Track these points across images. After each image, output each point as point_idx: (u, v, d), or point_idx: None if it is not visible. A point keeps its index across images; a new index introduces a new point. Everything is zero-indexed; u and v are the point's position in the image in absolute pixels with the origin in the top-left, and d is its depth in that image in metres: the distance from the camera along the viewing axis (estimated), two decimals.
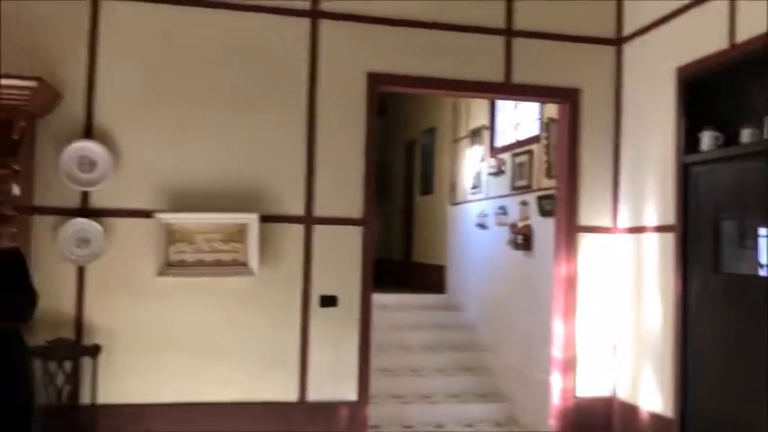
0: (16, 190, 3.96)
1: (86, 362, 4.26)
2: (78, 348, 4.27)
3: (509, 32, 5.01)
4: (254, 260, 4.50)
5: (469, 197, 7.61)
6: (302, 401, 4.63)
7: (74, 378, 4.23)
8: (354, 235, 4.75)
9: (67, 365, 4.23)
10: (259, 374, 4.56)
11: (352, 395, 4.70)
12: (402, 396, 6.28)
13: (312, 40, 4.72)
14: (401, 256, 10.06)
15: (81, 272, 4.36)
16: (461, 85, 5.00)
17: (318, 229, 4.70)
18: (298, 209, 4.67)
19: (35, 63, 4.21)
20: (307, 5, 4.72)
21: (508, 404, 6.22)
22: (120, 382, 4.33)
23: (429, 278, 8.58)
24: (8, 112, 3.91)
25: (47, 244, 4.28)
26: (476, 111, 7.54)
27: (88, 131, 4.38)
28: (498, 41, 5.00)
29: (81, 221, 4.31)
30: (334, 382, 4.69)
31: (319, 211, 4.70)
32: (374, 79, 4.79)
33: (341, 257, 4.73)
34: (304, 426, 4.59)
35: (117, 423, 4.28)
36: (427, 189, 9.11)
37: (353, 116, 4.77)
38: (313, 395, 4.65)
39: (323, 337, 4.68)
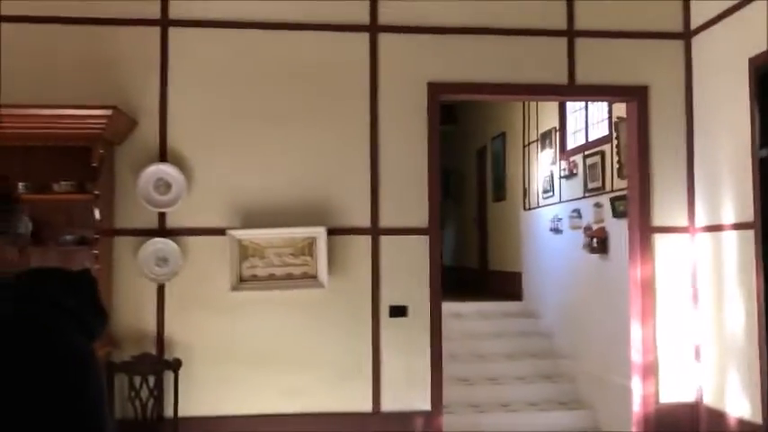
0: (97, 214, 4.20)
1: (168, 376, 4.44)
2: (161, 363, 4.46)
3: (571, 33, 4.94)
4: (323, 273, 4.58)
5: (542, 202, 7.51)
6: (377, 411, 4.68)
7: (157, 392, 4.41)
8: (421, 244, 4.77)
9: (151, 380, 4.41)
10: (333, 385, 4.63)
11: (425, 405, 4.71)
12: (479, 405, 6.23)
13: (372, 54, 4.79)
14: (476, 264, 10.00)
15: (161, 289, 4.56)
16: (523, 89, 4.97)
17: (385, 240, 4.75)
18: (364, 220, 4.74)
19: (111, 93, 4.45)
20: (366, 21, 4.80)
21: (588, 411, 6.07)
22: (200, 394, 4.49)
23: (505, 285, 8.49)
24: (87, 141, 4.14)
25: (128, 264, 4.50)
26: (545, 113, 7.44)
27: (163, 155, 4.59)
28: (560, 43, 4.94)
29: (159, 241, 4.51)
30: (407, 391, 4.71)
31: (385, 221, 4.76)
32: (435, 89, 4.82)
33: (408, 267, 4.76)
34: None
35: None
36: (500, 195, 9.03)
37: (416, 126, 4.81)
38: (387, 405, 4.69)
39: (394, 347, 4.71)
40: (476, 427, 5.81)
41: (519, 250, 8.19)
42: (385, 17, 4.81)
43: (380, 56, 4.80)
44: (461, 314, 7.62)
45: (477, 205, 10.05)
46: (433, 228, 4.80)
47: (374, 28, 4.81)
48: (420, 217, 4.79)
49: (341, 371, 4.65)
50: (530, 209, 7.87)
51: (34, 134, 4.14)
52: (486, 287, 9.23)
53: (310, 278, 4.62)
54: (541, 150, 7.53)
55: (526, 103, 7.74)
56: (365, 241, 4.73)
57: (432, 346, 4.75)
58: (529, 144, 7.92)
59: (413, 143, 4.80)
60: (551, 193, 7.25)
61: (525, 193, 8.01)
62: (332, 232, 4.64)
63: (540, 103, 7.33)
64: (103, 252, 4.32)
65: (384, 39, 4.81)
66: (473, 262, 10.17)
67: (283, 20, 4.71)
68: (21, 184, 4.25)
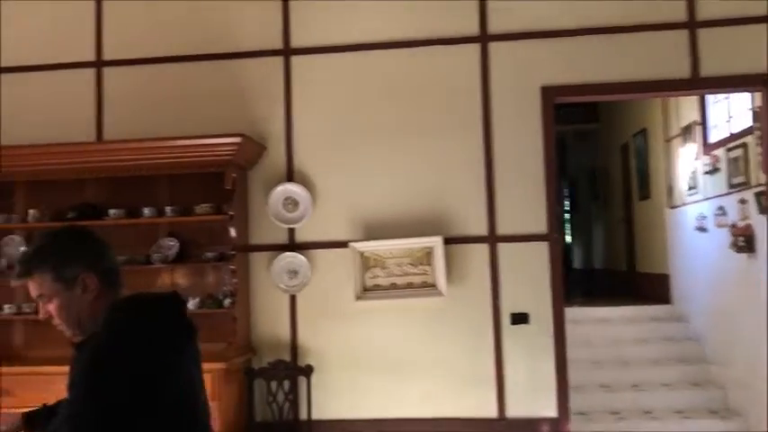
0: (233, 232, 4.60)
1: (302, 381, 4.75)
2: (294, 369, 4.78)
3: (692, 24, 4.71)
4: (442, 281, 4.71)
5: (687, 199, 7.12)
6: (502, 418, 4.71)
7: (292, 396, 4.74)
8: (540, 250, 4.75)
9: (286, 384, 4.75)
10: (458, 391, 4.73)
11: (551, 411, 4.68)
12: (619, 412, 6.04)
13: (483, 63, 4.86)
14: (624, 266, 9.62)
15: (293, 300, 4.89)
16: (644, 85, 4.80)
17: (503, 247, 4.78)
18: (481, 228, 4.80)
19: (241, 122, 4.87)
20: (476, 31, 4.88)
21: (739, 420, 5.69)
22: (331, 398, 4.76)
23: (652, 288, 8.11)
24: (220, 166, 4.57)
25: (263, 277, 4.88)
26: (685, 106, 7.06)
27: (290, 175, 4.94)
28: (681, 35, 4.73)
29: (289, 255, 4.85)
30: (532, 398, 4.71)
31: (502, 229, 4.79)
32: (549, 92, 4.79)
33: (529, 274, 4.76)
34: None
35: None
36: (644, 193, 8.65)
37: (530, 132, 4.80)
38: (512, 411, 4.72)
39: (517, 353, 4.73)
40: None
41: (665, 251, 7.81)
42: (494, 26, 4.86)
43: (491, 64, 4.86)
44: (607, 319, 7.41)
45: (624, 204, 9.68)
46: (552, 233, 4.76)
47: (484, 37, 4.87)
48: (538, 223, 4.77)
49: (464, 377, 4.74)
50: (675, 207, 7.49)
51: (175, 163, 4.62)
52: (634, 290, 8.86)
53: (430, 287, 4.76)
54: (683, 145, 7.15)
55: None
56: (483, 249, 4.80)
57: (556, 351, 4.71)
58: (670, 139, 7.54)
59: (528, 149, 4.80)
60: (695, 190, 6.87)
61: (669, 190, 7.63)
62: (450, 241, 4.75)
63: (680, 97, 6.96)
64: (240, 267, 4.72)
65: (494, 47, 4.86)
66: (621, 264, 9.80)
67: (395, 38, 4.91)
68: (168, 208, 4.76)
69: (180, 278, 4.93)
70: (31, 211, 4.84)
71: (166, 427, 1.85)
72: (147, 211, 4.77)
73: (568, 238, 14.57)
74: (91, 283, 1.91)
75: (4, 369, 4.46)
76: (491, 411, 4.72)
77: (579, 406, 6.16)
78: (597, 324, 7.32)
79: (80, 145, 4.82)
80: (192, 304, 4.67)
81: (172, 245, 4.87)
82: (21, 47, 5.15)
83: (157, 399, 1.82)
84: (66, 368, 1.96)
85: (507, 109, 4.82)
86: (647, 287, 8.39)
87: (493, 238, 4.80)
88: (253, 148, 4.79)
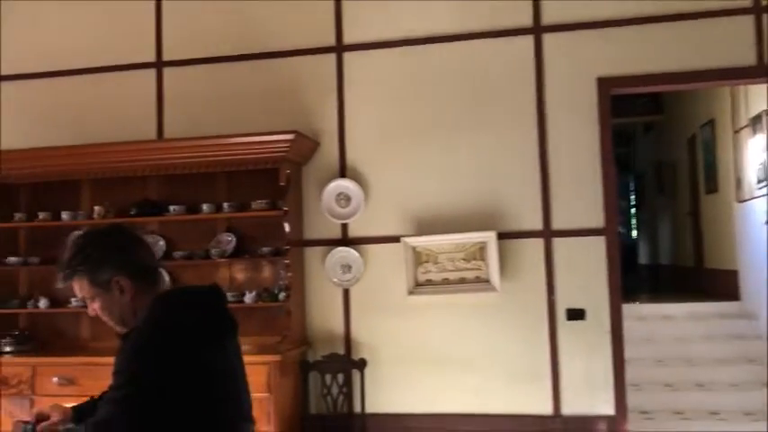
0: (287, 227, 4.67)
1: (356, 374, 4.79)
2: (348, 362, 4.83)
3: (757, 9, 4.53)
4: (495, 276, 4.66)
5: (756, 192, 6.84)
6: (557, 415, 4.64)
7: (346, 389, 4.78)
8: (597, 245, 4.66)
9: (340, 377, 4.80)
10: (512, 387, 4.68)
11: (608, 409, 4.59)
12: (683, 412, 5.86)
13: (537, 55, 4.79)
14: (691, 262, 9.32)
15: (346, 294, 4.94)
16: (705, 74, 4.63)
17: (558, 242, 4.70)
18: (535, 223, 4.74)
19: (296, 119, 4.93)
20: (529, 23, 4.81)
21: None
22: (383, 392, 4.79)
23: (720, 284, 7.83)
24: (274, 163, 4.64)
25: (317, 271, 4.94)
26: (754, 96, 6.77)
27: (342, 171, 4.98)
28: (746, 21, 4.55)
29: (342, 250, 4.90)
30: (588, 395, 4.62)
31: (558, 223, 4.71)
32: (605, 84, 4.69)
33: (585, 269, 4.67)
34: None
35: (382, 431, 4.73)
36: (712, 186, 8.35)
37: (586, 125, 4.71)
38: (568, 408, 4.64)
39: (573, 350, 4.65)
40: None
41: (734, 246, 7.52)
42: (548, 17, 4.78)
43: (546, 56, 4.78)
44: (672, 316, 7.20)
45: (691, 198, 9.37)
46: (610, 227, 4.66)
47: (538, 29, 4.79)
48: (595, 217, 4.67)
49: (519, 373, 4.69)
50: (743, 201, 7.20)
51: (231, 160, 4.73)
52: (701, 286, 8.57)
53: (483, 282, 4.72)
54: (752, 136, 6.87)
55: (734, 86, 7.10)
56: (538, 244, 4.73)
57: (613, 348, 4.61)
58: (739, 130, 7.25)
59: (584, 141, 4.71)
60: (765, 183, 6.59)
61: (738, 183, 7.35)
62: (503, 236, 4.70)
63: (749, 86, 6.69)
64: (295, 261, 4.79)
65: (549, 39, 4.78)
66: (688, 260, 9.49)
67: (447, 32, 4.88)
68: (226, 204, 4.87)
69: (237, 272, 5.04)
70: (96, 208, 5.02)
71: (205, 416, 1.90)
72: (205, 207, 4.89)
73: (634, 233, 14.21)
74: (125, 284, 1.97)
75: (71, 359, 4.66)
76: (546, 408, 4.66)
77: (641, 404, 6.02)
78: (662, 321, 7.12)
79: (142, 143, 4.99)
80: (248, 298, 4.76)
81: (229, 240, 4.98)
82: (89, 49, 5.35)
83: (195, 387, 1.87)
84: None
85: (562, 101, 4.74)
86: (714, 283, 8.11)
87: (548, 233, 4.72)
88: (306, 145, 4.85)
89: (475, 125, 4.83)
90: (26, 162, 5.01)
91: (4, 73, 5.47)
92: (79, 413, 2.13)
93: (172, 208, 4.92)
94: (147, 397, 1.82)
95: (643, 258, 12.95)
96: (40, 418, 2.11)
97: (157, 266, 2.09)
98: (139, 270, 2.00)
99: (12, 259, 5.08)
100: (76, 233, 2.05)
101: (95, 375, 4.51)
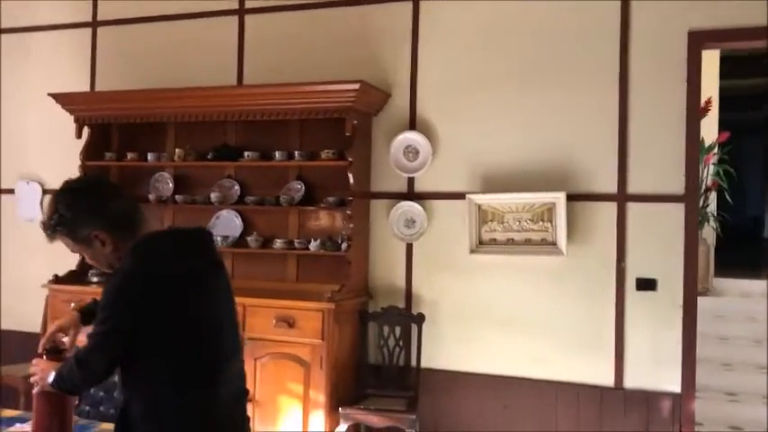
0: (351, 179, 4.67)
1: (414, 329, 4.78)
2: (406, 316, 4.82)
3: None
4: (562, 239, 4.47)
5: None
6: (619, 387, 4.44)
7: (403, 342, 4.79)
8: (675, 213, 4.34)
9: (398, 330, 4.81)
10: (572, 355, 4.52)
11: (675, 386, 4.33)
12: (735, 393, 5.50)
13: (623, 5, 4.45)
14: None
15: (409, 248, 4.90)
16: None
17: (633, 207, 4.43)
18: (609, 186, 4.47)
19: (370, 68, 4.89)
20: None
21: None
22: (440, 349, 4.75)
23: None
24: (340, 113, 4.63)
25: (382, 224, 4.93)
26: None
27: (412, 124, 4.89)
28: None
29: (407, 204, 4.85)
30: (654, 370, 4.38)
31: (633, 187, 4.43)
32: (696, 38, 4.30)
33: (660, 238, 4.38)
34: (620, 412, 4.41)
35: (435, 386, 4.71)
36: None
37: (673, 82, 4.35)
38: (631, 382, 4.42)
39: (640, 321, 4.40)
40: (731, 418, 5.15)
41: None
42: None
43: (632, 6, 4.44)
44: None
45: None
46: (690, 195, 4.33)
47: None
48: (675, 183, 4.35)
49: (581, 341, 4.51)
50: None
51: (302, 108, 4.75)
52: None
53: (549, 245, 4.54)
54: None
55: None
56: (610, 208, 4.47)
57: (684, 323, 4.33)
58: None
59: (669, 101, 4.36)
60: None
61: None
62: (573, 198, 4.48)
63: None
64: (358, 213, 4.80)
65: None
66: None
67: None
68: (297, 153, 4.93)
69: (304, 220, 5.11)
70: (177, 151, 5.23)
71: (180, 357, 1.96)
72: (278, 154, 4.97)
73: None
74: (104, 237, 2.05)
75: None
76: (607, 379, 4.46)
77: (729, 386, 5.69)
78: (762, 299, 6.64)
79: (222, 89, 5.12)
80: (313, 246, 4.84)
81: (299, 188, 5.05)
82: None
83: (167, 331, 1.94)
84: None
85: (647, 56, 4.40)
86: None
87: (622, 197, 4.45)
88: (374, 95, 4.80)
89: (551, 79, 4.59)
90: (117, 103, 5.27)
91: (100, 18, 5.76)
92: (85, 315, 2.27)
93: (246, 154, 5.04)
94: (119, 338, 1.92)
95: None
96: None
97: (136, 212, 2.13)
98: (115, 221, 2.06)
99: None
100: (55, 192, 2.12)
101: None
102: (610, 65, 4.48)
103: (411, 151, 4.84)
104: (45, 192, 5.89)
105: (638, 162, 4.42)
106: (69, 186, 2.14)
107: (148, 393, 1.99)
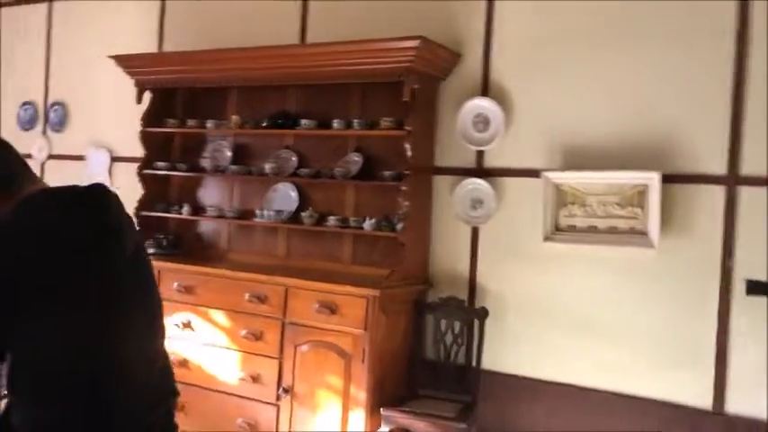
0: (408, 150, 4.12)
1: (475, 324, 4.18)
2: (467, 310, 4.23)
3: None
4: (654, 229, 3.72)
5: None
6: (719, 412, 3.65)
7: (462, 338, 4.20)
8: None
9: (456, 325, 4.23)
10: (661, 368, 3.77)
11: None
12: None
13: None
14: None
15: (475, 233, 4.30)
16: None
17: (746, 192, 3.61)
18: (717, 165, 3.67)
19: (440, 24, 4.30)
20: None
21: None
22: (504, 349, 4.14)
23: None
24: (396, 75, 4.07)
25: (446, 204, 4.35)
26: None
27: (484, 89, 4.27)
28: None
29: (474, 182, 4.24)
30: (764, 393, 3.56)
31: (748, 168, 3.60)
32: None
33: None
34: None
35: (496, 391, 4.10)
36: None
37: None
38: (733, 406, 3.63)
39: (750, 332, 3.59)
40: None
41: None
42: None
43: None
44: None
45: None
46: None
47: None
48: None
49: (673, 352, 3.75)
50: None
51: (360, 70, 4.24)
52: None
53: (638, 234, 3.80)
54: None
55: None
56: (717, 192, 3.67)
57: None
58: None
59: None
60: None
61: None
62: (671, 179, 3.71)
63: None
64: (418, 190, 4.25)
65: None
66: None
67: None
68: (356, 121, 4.43)
69: (361, 196, 4.61)
70: (234, 117, 4.88)
71: (66, 330, 1.58)
72: (336, 123, 4.50)
73: None
74: None
75: (192, 267, 4.62)
76: (704, 401, 3.68)
77: None
78: None
79: (280, 48, 4.67)
80: (367, 225, 4.34)
81: (357, 160, 4.56)
82: None
83: (48, 297, 1.59)
84: None
85: None
86: None
87: (733, 179, 3.63)
88: (440, 55, 4.20)
89: (653, 37, 3.81)
90: (179, 65, 4.99)
91: None
92: None
93: (303, 122, 4.61)
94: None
95: None
96: None
97: (21, 170, 1.80)
98: None
99: (160, 164, 5.16)
100: None
101: (211, 287, 4.48)
102: (725, 23, 3.65)
103: (481, 121, 4.22)
104: (114, 159, 5.75)
105: (755, 138, 3.59)
106: None
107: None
